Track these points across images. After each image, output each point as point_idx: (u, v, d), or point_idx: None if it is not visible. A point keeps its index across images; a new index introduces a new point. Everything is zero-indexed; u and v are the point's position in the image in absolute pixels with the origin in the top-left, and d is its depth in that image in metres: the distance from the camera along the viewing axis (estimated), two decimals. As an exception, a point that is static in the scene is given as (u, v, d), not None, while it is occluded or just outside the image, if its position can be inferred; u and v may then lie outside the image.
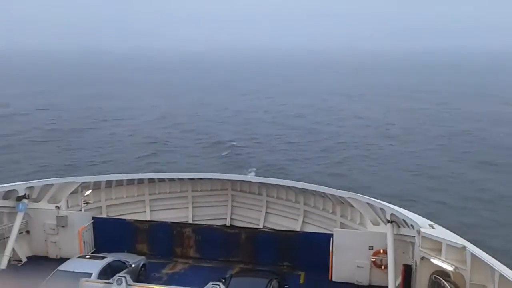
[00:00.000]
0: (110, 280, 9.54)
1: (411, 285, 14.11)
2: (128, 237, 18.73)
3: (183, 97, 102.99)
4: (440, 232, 13.44)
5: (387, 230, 15.63)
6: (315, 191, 20.01)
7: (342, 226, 19.08)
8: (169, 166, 45.68)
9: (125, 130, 65.85)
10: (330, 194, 19.25)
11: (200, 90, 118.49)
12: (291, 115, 79.62)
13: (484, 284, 11.45)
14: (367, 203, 17.38)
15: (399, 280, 14.66)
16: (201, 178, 22.35)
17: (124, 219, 19.61)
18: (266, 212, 22.03)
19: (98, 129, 67.08)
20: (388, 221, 15.78)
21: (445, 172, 46.42)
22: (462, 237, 12.98)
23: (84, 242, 17.97)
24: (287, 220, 21.39)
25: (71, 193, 19.27)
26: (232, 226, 21.09)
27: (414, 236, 14.18)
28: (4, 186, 17.60)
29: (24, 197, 17.57)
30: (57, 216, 17.97)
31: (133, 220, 19.50)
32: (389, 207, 16.10)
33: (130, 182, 21.42)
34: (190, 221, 21.50)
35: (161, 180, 22.05)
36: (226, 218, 22.48)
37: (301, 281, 16.96)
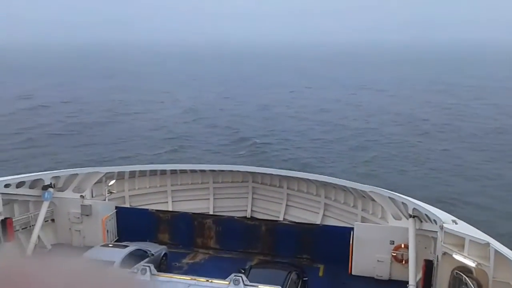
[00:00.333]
0: (135, 269, 9.70)
1: (432, 280, 13.94)
2: (150, 227, 19.02)
3: (207, 91, 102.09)
4: (463, 228, 13.22)
5: (409, 224, 15.46)
6: (336, 184, 19.90)
7: (363, 220, 18.93)
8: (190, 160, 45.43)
9: (146, 124, 65.00)
10: (352, 188, 19.11)
11: (224, 83, 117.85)
12: (316, 110, 76.77)
13: (508, 281, 11.24)
14: (389, 197, 17.21)
15: (420, 275, 14.49)
16: (222, 170, 22.48)
17: (147, 209, 19.90)
18: (287, 205, 22.02)
19: (118, 122, 66.14)
20: (410, 216, 15.61)
21: (482, 172, 43.24)
22: (486, 234, 12.75)
23: (107, 231, 18.34)
24: (307, 213, 21.34)
25: (95, 183, 19.64)
26: (252, 218, 21.17)
27: (437, 231, 13.98)
28: (31, 176, 18.09)
29: (50, 186, 18.02)
30: (81, 205, 18.38)
31: (155, 210, 19.76)
32: (411, 201, 15.91)
33: (153, 173, 21.70)
34: (211, 213, 21.67)
35: (183, 171, 22.26)
36: (246, 210, 22.56)
37: (321, 274, 16.95)
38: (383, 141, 56.03)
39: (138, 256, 15.31)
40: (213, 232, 18.87)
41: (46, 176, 18.17)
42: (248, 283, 9.19)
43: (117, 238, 18.80)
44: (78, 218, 18.40)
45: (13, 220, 17.04)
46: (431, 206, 15.45)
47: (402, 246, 15.91)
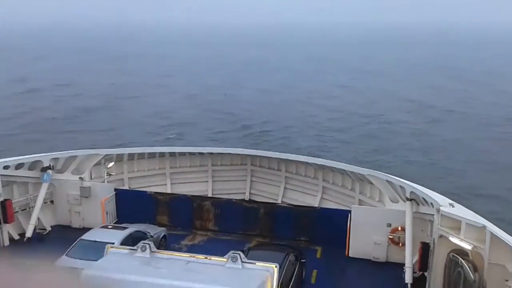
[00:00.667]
0: (135, 247, 9.84)
1: (428, 262, 14.11)
2: (149, 209, 19.12)
3: (216, 74, 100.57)
4: (460, 211, 13.31)
5: (406, 207, 15.58)
6: (334, 167, 19.97)
7: (361, 203, 19.07)
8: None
9: (147, 108, 64.12)
10: (350, 171, 19.20)
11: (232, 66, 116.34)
12: (325, 96, 74.89)
13: (503, 263, 11.37)
14: (387, 181, 17.30)
15: (416, 257, 14.67)
16: (221, 153, 22.52)
17: (146, 191, 20.00)
18: (285, 188, 22.14)
19: (116, 107, 65.00)
20: (408, 199, 15.72)
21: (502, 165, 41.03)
22: (483, 217, 12.85)
23: (106, 212, 18.43)
24: (305, 196, 21.48)
25: (94, 165, 19.70)
26: (250, 201, 21.29)
27: (433, 214, 14.09)
28: (30, 157, 18.09)
29: (49, 168, 18.04)
30: (80, 187, 18.43)
31: (154, 192, 19.86)
32: (409, 185, 16.00)
33: (152, 155, 21.74)
34: (210, 195, 21.79)
35: (182, 154, 22.30)
36: (245, 193, 22.68)
37: (318, 255, 17.13)
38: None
39: (137, 237, 15.33)
40: (212, 214, 18.99)
41: (45, 158, 18.18)
42: (245, 260, 9.32)
43: (116, 220, 18.90)
44: (77, 200, 18.47)
45: (13, 201, 17.10)
46: (429, 190, 15.53)
47: (399, 228, 16.06)
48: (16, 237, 17.30)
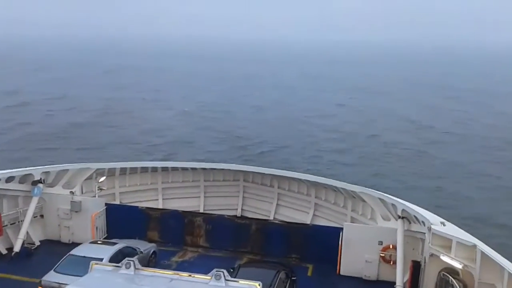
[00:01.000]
0: (119, 264, 9.78)
1: (419, 281, 14.02)
2: (140, 224, 18.96)
3: (216, 89, 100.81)
4: (451, 230, 13.31)
5: (398, 225, 15.55)
6: (327, 184, 19.96)
7: (353, 220, 19.01)
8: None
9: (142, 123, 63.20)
10: (342, 188, 19.18)
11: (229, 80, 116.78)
12: (322, 115, 74.30)
13: (493, 283, 11.32)
14: (379, 198, 17.30)
15: (407, 276, 14.58)
16: (213, 168, 22.47)
17: (137, 207, 19.84)
18: (277, 204, 22.06)
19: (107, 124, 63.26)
20: (399, 217, 15.69)
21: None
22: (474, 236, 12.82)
23: (96, 227, 18.25)
24: (297, 212, 21.39)
25: (85, 179, 19.58)
26: (242, 217, 21.19)
27: (425, 233, 14.07)
28: (21, 170, 17.98)
29: (39, 181, 17.91)
30: (71, 201, 18.28)
31: (146, 207, 19.71)
32: (401, 203, 16.01)
33: (144, 170, 21.64)
34: (201, 211, 21.66)
35: (174, 169, 22.23)
36: (237, 209, 22.57)
37: (309, 273, 17.00)
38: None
39: (126, 253, 15.19)
40: (203, 230, 18.85)
41: (36, 172, 18.06)
42: (229, 278, 9.27)
43: (106, 235, 18.72)
44: (67, 214, 18.30)
45: (2, 215, 16.92)
46: (420, 208, 15.54)
47: (391, 247, 15.99)
48: (4, 251, 17.09)
